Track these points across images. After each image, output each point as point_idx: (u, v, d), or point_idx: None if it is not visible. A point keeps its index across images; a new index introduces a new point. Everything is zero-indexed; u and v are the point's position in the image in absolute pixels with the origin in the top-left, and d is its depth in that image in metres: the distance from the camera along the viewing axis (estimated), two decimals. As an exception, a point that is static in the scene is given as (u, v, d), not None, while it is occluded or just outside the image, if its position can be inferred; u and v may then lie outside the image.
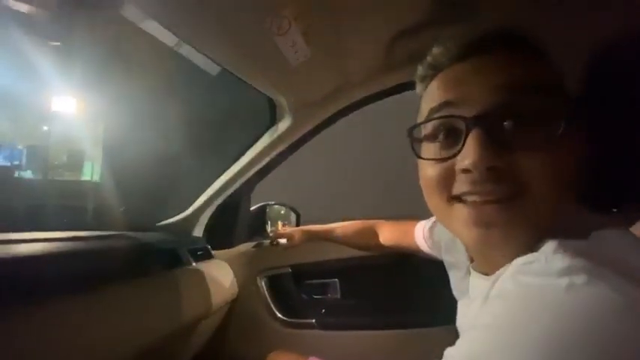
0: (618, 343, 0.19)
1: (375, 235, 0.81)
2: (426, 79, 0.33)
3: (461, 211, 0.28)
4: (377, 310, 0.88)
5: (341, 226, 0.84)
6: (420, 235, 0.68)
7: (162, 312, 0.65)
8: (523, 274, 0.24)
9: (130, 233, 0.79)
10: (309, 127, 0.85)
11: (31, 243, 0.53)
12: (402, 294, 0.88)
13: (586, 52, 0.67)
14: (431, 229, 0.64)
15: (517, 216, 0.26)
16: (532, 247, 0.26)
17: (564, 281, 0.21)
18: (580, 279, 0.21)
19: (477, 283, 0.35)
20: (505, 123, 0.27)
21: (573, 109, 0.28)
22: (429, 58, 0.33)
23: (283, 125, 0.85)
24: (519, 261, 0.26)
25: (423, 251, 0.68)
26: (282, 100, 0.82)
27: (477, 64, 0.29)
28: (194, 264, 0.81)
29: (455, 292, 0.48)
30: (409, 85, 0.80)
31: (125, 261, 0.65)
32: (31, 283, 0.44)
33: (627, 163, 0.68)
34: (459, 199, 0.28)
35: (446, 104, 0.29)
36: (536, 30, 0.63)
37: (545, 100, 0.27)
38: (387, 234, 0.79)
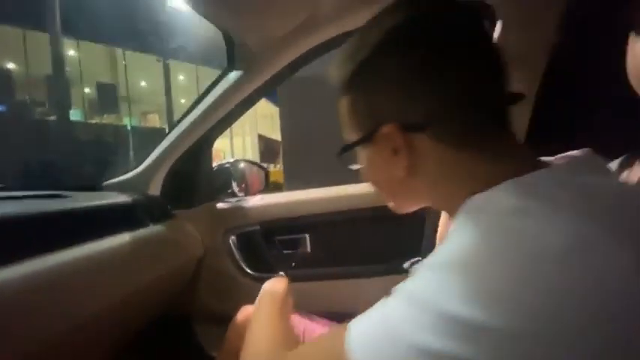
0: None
1: None
2: None
3: None
4: (345, 262, 0.90)
5: None
6: None
7: (119, 273, 0.60)
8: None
9: (70, 193, 0.69)
10: (273, 70, 0.75)
11: None
12: (371, 245, 0.90)
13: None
14: None
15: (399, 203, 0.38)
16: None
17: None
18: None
19: None
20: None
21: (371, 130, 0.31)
22: None
23: (244, 68, 0.74)
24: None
25: None
26: (241, 37, 0.70)
27: None
28: (151, 225, 0.75)
29: None
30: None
31: (71, 223, 0.57)
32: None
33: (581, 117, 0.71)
34: None
35: None
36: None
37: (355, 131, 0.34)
38: None
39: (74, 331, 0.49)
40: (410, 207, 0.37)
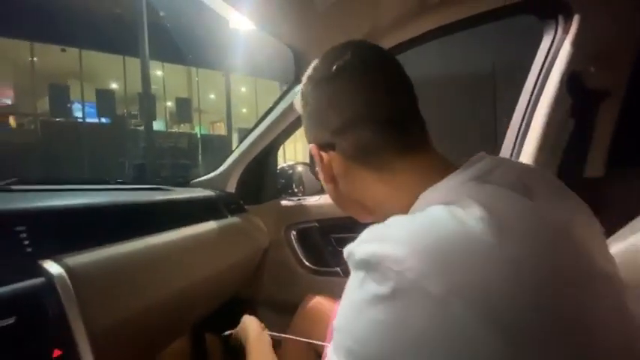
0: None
1: None
2: None
3: None
4: None
5: None
6: None
7: (206, 254, 0.72)
8: None
9: (169, 187, 0.86)
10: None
11: (87, 193, 0.60)
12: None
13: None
14: None
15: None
16: None
17: None
18: None
19: None
20: None
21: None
22: None
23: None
24: None
25: None
26: (307, 52, 0.79)
27: None
28: (229, 216, 0.88)
29: None
30: (443, 30, 0.73)
31: (170, 211, 0.72)
32: (94, 229, 0.50)
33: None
34: None
35: None
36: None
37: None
38: None
39: (166, 301, 0.57)
40: (356, 215, 0.39)
